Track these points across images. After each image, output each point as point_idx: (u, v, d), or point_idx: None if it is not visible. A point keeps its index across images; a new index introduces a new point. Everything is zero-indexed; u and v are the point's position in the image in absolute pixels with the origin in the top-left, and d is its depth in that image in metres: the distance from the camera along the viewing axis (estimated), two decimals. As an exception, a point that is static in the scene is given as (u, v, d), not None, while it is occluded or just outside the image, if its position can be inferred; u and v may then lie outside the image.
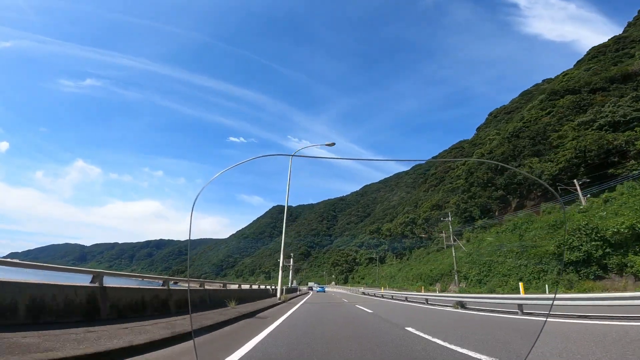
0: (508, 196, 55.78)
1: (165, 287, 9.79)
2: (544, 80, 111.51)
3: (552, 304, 10.71)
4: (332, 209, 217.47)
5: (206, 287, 13.42)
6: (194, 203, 2.46)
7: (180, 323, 6.95)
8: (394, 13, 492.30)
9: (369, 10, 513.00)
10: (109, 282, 7.64)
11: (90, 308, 6.58)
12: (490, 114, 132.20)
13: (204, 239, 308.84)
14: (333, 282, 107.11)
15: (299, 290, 50.74)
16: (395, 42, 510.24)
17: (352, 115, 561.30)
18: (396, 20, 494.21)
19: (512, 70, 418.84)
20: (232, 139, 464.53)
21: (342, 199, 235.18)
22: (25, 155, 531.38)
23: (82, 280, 7.31)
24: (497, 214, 56.31)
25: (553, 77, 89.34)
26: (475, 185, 61.61)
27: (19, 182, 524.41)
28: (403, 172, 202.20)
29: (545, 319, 9.54)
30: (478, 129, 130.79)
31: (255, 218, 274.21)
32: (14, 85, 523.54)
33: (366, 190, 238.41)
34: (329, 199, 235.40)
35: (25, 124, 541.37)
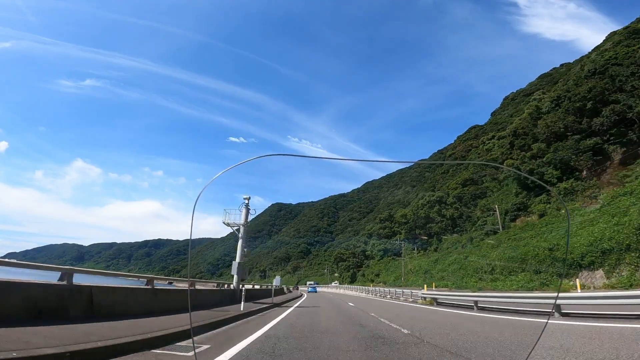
0: (608, 145, 41.03)
1: (149, 287, 9.37)
2: (562, 65, 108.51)
3: None
4: (333, 205, 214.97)
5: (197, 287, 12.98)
6: (195, 204, 2.63)
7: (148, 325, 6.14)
8: (393, 12, 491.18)
9: (369, 10, 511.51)
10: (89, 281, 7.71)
11: (55, 307, 6.30)
12: (506, 98, 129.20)
13: (202, 238, 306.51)
14: (336, 282, 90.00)
15: (288, 291, 44.04)
16: (395, 41, 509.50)
17: (352, 115, 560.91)
18: (396, 19, 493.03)
19: (512, 69, 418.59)
20: (232, 139, 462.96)
21: (343, 195, 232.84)
22: (25, 155, 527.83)
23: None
24: (584, 173, 42.26)
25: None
26: (544, 137, 46.74)
27: (18, 182, 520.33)
28: (407, 167, 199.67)
29: None
30: (493, 113, 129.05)
31: (255, 217, 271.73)
32: (13, 86, 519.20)
33: (367, 187, 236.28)
34: (330, 196, 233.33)
35: (25, 124, 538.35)
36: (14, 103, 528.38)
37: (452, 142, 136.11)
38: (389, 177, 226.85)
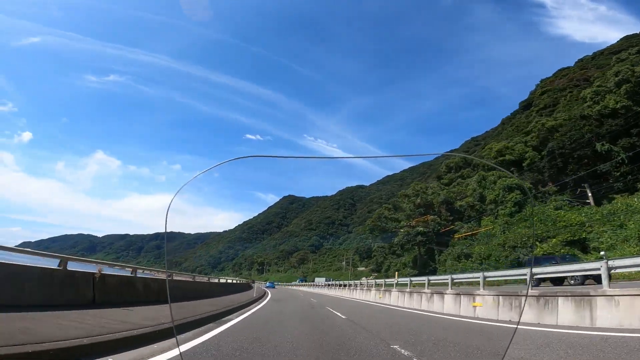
0: None
1: (132, 275, 10.33)
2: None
3: None
4: (350, 197, 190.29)
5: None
6: (170, 202, 2.53)
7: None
8: (411, 12, 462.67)
9: (386, 9, 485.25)
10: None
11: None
12: (541, 81, 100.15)
13: (212, 232, 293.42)
14: (364, 278, 47.46)
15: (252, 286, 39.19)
16: (412, 41, 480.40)
17: (367, 115, 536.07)
18: (414, 19, 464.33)
19: (537, 70, 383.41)
20: (248, 136, 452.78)
21: (361, 187, 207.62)
22: (47, 146, 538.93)
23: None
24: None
25: None
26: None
27: (40, 173, 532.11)
28: (431, 160, 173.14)
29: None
30: (503, 120, 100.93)
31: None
32: (40, 79, 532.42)
33: (388, 179, 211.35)
34: (346, 187, 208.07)
35: (48, 116, 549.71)
36: (39, 95, 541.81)
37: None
38: (412, 170, 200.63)
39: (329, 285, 52.78)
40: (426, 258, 53.00)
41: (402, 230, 55.66)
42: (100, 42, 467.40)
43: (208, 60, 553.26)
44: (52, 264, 8.01)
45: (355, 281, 38.11)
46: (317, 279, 73.54)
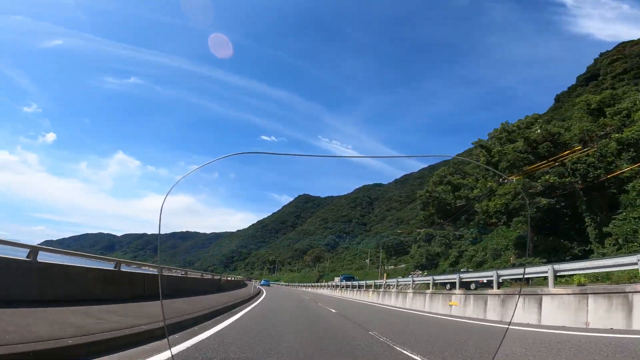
0: None
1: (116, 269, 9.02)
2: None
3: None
4: (368, 195, 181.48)
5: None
6: (164, 201, 2.52)
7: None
8: (425, 12, 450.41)
9: (400, 9, 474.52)
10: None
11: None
12: (601, 55, 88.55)
13: (226, 232, 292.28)
14: (415, 273, 43.09)
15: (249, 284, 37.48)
16: (427, 41, 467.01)
17: (382, 115, 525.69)
18: (428, 19, 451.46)
19: (558, 70, 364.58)
20: (263, 137, 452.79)
21: (378, 185, 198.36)
22: (70, 147, 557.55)
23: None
24: None
25: None
26: None
27: (64, 173, 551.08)
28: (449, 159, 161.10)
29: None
30: (558, 97, 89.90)
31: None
32: (64, 81, 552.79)
33: (406, 178, 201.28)
34: (363, 185, 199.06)
35: (72, 117, 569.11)
36: (62, 97, 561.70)
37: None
38: (431, 169, 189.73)
39: (355, 287, 36.55)
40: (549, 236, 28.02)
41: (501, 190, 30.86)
42: (120, 45, 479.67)
43: (222, 62, 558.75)
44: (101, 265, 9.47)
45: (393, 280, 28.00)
46: (336, 279, 64.04)
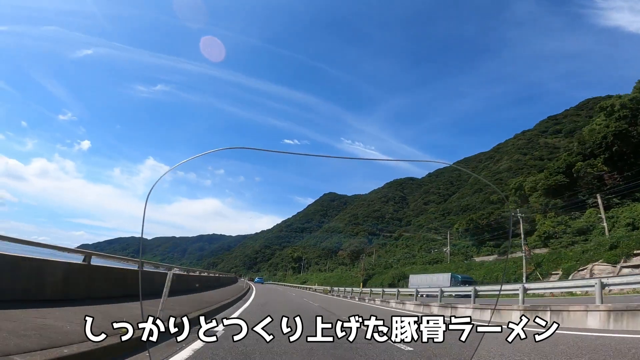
0: None
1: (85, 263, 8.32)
2: None
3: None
4: (400, 189, 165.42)
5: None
6: (148, 197, 2.67)
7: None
8: (446, 9, 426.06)
9: (420, 7, 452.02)
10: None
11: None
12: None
13: (251, 234, 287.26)
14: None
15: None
16: (448, 38, 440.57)
17: (405, 115, 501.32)
18: (449, 16, 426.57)
19: (589, 64, 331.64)
20: (286, 141, 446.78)
21: (412, 179, 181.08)
22: (104, 153, 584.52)
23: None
24: None
25: None
26: None
27: (99, 179, 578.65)
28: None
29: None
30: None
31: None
32: (96, 89, 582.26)
33: (441, 171, 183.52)
34: (394, 179, 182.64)
35: (104, 125, 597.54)
36: (94, 105, 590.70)
37: None
38: (466, 160, 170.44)
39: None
40: None
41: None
42: (148, 53, 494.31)
43: (243, 66, 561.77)
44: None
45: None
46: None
